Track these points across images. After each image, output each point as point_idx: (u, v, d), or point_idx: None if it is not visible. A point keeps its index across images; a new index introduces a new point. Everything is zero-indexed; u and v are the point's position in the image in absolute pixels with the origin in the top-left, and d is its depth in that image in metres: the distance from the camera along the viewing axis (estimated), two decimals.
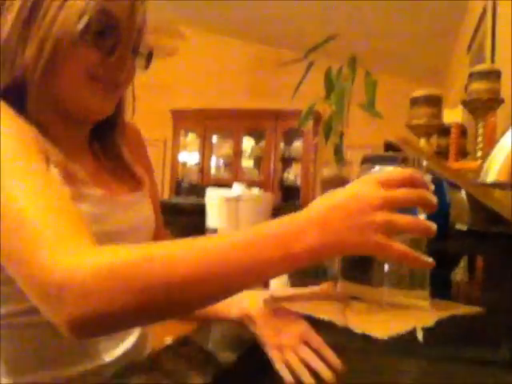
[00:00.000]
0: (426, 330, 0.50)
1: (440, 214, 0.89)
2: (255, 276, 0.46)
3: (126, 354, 0.64)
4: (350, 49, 1.94)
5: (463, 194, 0.84)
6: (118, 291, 0.41)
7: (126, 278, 0.41)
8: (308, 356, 0.51)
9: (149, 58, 0.66)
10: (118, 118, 0.70)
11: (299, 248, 0.45)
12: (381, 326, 0.49)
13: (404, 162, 0.55)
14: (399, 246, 0.46)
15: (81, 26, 0.56)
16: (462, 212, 0.84)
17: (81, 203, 0.57)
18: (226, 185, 1.95)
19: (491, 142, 1.33)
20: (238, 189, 1.53)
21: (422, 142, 1.50)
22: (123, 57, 0.60)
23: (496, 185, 0.43)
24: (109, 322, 0.43)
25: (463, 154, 1.66)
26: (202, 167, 4.81)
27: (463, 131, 1.71)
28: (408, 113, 1.56)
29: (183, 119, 4.79)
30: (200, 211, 1.58)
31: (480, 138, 1.39)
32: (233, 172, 4.73)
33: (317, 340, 0.52)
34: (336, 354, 0.50)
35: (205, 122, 4.73)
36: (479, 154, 1.38)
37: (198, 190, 3.81)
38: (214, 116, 4.67)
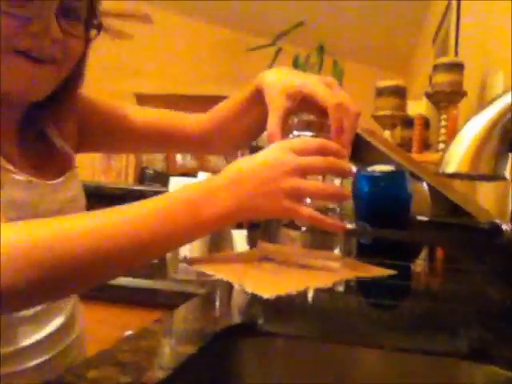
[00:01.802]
0: (379, 319, 0.50)
1: (401, 204, 0.91)
2: (168, 243, 0.47)
3: (49, 337, 0.60)
4: (318, 37, 1.94)
5: (425, 185, 0.85)
6: (20, 269, 0.40)
7: (28, 256, 0.41)
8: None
9: (97, 28, 0.59)
10: (59, 102, 0.61)
11: (209, 214, 0.47)
12: (273, 285, 0.51)
13: (319, 128, 0.57)
14: (306, 210, 0.49)
15: None
16: (423, 203, 0.85)
17: (5, 189, 0.53)
18: (192, 174, 1.92)
19: (453, 135, 1.36)
20: (202, 177, 1.51)
21: (387, 133, 1.52)
22: (46, 24, 0.51)
23: (456, 175, 0.44)
24: (12, 299, 0.42)
25: (426, 145, 1.69)
26: (168, 155, 4.73)
27: (426, 123, 1.74)
28: (373, 103, 1.58)
29: (148, 104, 4.66)
30: None
31: (442, 131, 1.42)
32: (199, 161, 4.68)
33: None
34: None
35: (171, 108, 4.63)
36: (441, 146, 1.41)
37: (163, 178, 3.75)
38: (179, 102, 4.58)
